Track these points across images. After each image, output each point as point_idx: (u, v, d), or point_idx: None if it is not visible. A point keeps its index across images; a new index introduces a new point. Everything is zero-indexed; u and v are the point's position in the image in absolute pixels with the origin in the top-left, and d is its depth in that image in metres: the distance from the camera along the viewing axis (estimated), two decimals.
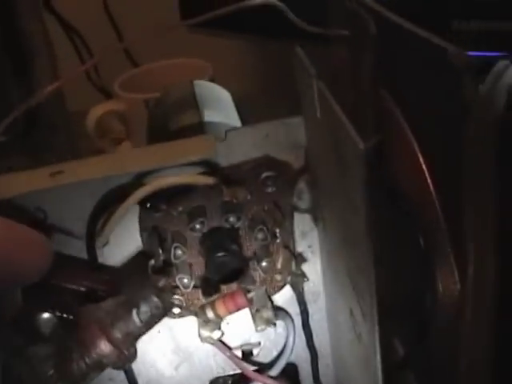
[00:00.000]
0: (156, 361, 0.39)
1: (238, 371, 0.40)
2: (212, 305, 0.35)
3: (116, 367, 0.32)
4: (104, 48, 0.61)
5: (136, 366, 0.39)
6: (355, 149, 0.24)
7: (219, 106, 0.46)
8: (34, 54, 0.77)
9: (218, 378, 0.41)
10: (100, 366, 0.32)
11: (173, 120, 0.45)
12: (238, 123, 0.45)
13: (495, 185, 0.28)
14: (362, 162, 0.24)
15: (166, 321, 0.37)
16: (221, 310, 0.35)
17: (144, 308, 0.32)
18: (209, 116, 0.44)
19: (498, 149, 0.28)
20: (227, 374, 0.40)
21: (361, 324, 0.29)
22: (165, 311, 0.32)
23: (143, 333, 0.32)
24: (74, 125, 0.83)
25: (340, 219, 0.30)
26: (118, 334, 0.32)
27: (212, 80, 0.70)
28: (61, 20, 0.88)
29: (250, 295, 0.35)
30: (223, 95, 0.49)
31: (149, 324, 0.32)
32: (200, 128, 0.43)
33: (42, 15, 0.79)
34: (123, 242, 0.36)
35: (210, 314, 0.35)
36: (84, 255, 0.36)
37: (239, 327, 0.39)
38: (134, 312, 0.32)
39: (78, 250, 0.36)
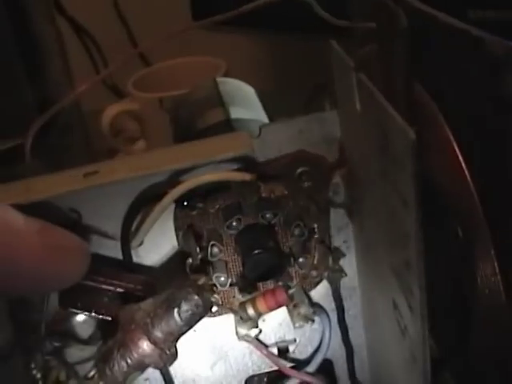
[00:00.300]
0: (192, 360, 0.39)
1: (273, 369, 0.40)
2: (252, 302, 0.35)
3: (157, 367, 0.32)
4: (119, 57, 0.61)
5: (172, 366, 0.39)
6: (405, 140, 0.24)
7: (245, 102, 0.46)
8: (48, 55, 0.77)
9: (253, 377, 0.40)
10: (141, 365, 0.32)
11: (199, 119, 0.45)
12: (264, 118, 0.44)
13: None
14: (413, 153, 0.24)
15: (201, 320, 0.37)
16: (261, 306, 0.35)
17: (185, 307, 0.31)
18: (235, 113, 0.44)
19: None
20: (262, 371, 0.40)
21: (407, 318, 0.29)
22: (205, 309, 0.32)
23: (184, 332, 0.32)
24: (89, 125, 0.83)
25: (382, 213, 0.30)
26: (159, 334, 0.31)
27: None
28: (72, 22, 0.88)
29: (289, 292, 0.35)
30: (248, 91, 0.49)
31: (190, 323, 0.32)
32: (228, 125, 0.43)
33: (55, 17, 0.79)
34: (158, 242, 0.36)
35: (251, 311, 0.35)
36: (119, 256, 0.36)
37: (275, 324, 0.39)
38: (175, 311, 0.31)
39: (112, 250, 0.36)
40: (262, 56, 0.96)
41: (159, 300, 0.32)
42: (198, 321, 0.32)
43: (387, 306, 0.32)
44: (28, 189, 0.33)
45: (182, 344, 0.37)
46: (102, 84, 0.93)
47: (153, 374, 0.39)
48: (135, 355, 0.32)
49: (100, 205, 0.35)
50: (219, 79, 0.49)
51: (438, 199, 0.35)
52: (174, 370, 0.39)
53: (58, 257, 0.29)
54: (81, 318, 0.37)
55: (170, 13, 0.92)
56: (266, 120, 0.44)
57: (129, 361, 0.32)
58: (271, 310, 0.35)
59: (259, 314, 0.35)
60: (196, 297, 0.32)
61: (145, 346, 0.31)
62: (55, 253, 0.29)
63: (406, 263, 0.27)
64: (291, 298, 0.36)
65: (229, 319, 0.38)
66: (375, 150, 0.28)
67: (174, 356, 0.32)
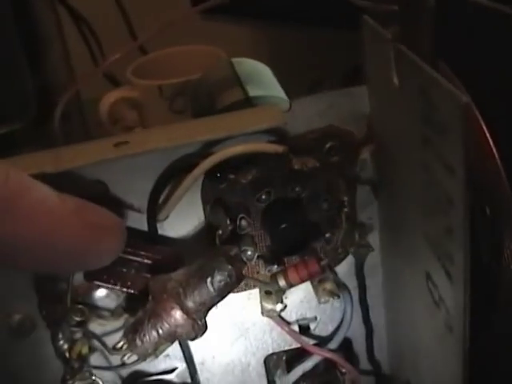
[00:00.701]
0: (212, 337, 0.39)
1: (293, 347, 0.40)
2: (284, 273, 0.35)
3: (189, 338, 0.32)
4: (123, 48, 0.61)
5: (192, 342, 0.39)
6: (456, 104, 0.24)
7: (261, 79, 0.46)
8: (48, 42, 0.76)
9: (272, 354, 0.40)
10: (173, 336, 0.32)
11: (218, 100, 0.45)
12: (283, 95, 0.44)
13: None
14: (463, 117, 0.24)
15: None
16: (293, 278, 0.35)
17: (218, 277, 0.31)
18: (254, 91, 0.44)
19: None
20: (282, 349, 0.40)
21: (444, 288, 0.29)
22: (238, 280, 0.32)
23: (216, 302, 0.32)
24: (87, 113, 0.83)
25: (417, 184, 0.30)
26: (191, 304, 0.31)
27: None
28: (69, 9, 0.87)
29: (322, 263, 0.35)
30: (263, 69, 0.49)
31: (222, 293, 0.32)
32: (248, 103, 0.43)
33: (55, 4, 0.79)
34: (183, 215, 0.36)
35: (282, 283, 0.35)
36: (144, 228, 0.36)
37: (296, 302, 0.39)
38: (209, 281, 0.31)
39: (137, 223, 0.36)
40: (260, 46, 0.96)
41: (191, 270, 0.32)
42: (230, 292, 0.32)
43: (418, 279, 0.32)
44: (57, 158, 0.33)
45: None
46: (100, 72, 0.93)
47: (173, 350, 0.39)
48: (167, 325, 0.32)
49: (128, 176, 0.35)
50: (234, 60, 0.49)
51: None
52: (194, 346, 0.39)
53: (96, 235, 0.29)
54: (103, 291, 0.36)
55: (169, 1, 0.91)
56: (284, 96, 0.44)
57: (160, 331, 0.32)
58: (303, 281, 0.35)
59: (290, 285, 0.35)
60: (230, 266, 0.31)
61: (177, 315, 0.31)
62: (93, 232, 0.29)
63: (448, 230, 0.27)
64: (323, 270, 0.36)
65: (250, 295, 0.38)
66: (415, 120, 0.29)
67: (205, 327, 0.32)
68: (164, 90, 0.69)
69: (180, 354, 0.39)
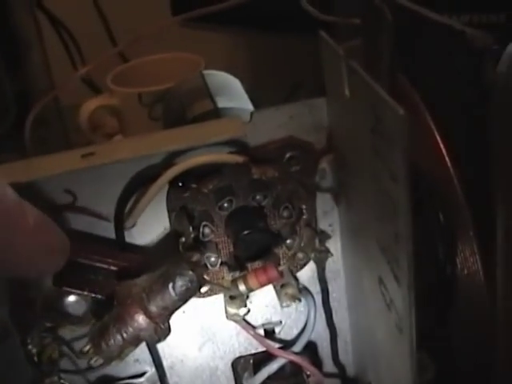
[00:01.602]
0: (180, 341, 0.40)
1: (259, 350, 0.41)
2: (244, 278, 0.36)
3: (152, 341, 0.33)
4: (100, 56, 0.62)
5: (161, 347, 0.40)
6: (396, 116, 0.26)
7: (231, 92, 0.48)
8: (27, 47, 0.77)
9: (239, 358, 0.42)
10: (137, 339, 0.33)
11: (188, 110, 0.46)
12: (250, 107, 0.46)
13: None
14: (403, 127, 0.26)
15: (190, 301, 0.38)
16: (253, 282, 0.36)
17: (180, 282, 0.33)
18: (222, 102, 0.45)
19: None
20: (249, 353, 0.41)
21: (393, 291, 0.31)
22: (199, 285, 0.33)
23: (178, 307, 0.33)
24: (66, 119, 0.84)
25: (371, 192, 0.32)
26: (154, 308, 0.33)
27: None
28: (49, 15, 0.88)
29: (280, 268, 0.36)
30: (233, 82, 0.50)
31: (184, 297, 0.33)
32: (216, 115, 0.44)
33: (34, 11, 0.80)
34: (149, 223, 0.37)
35: (242, 288, 0.36)
36: (112, 236, 0.37)
37: (261, 307, 0.40)
38: (170, 286, 0.32)
39: (106, 231, 0.37)
40: (239, 53, 0.97)
41: (154, 276, 0.33)
42: (191, 296, 0.34)
43: (373, 283, 0.34)
44: (28, 168, 0.34)
45: (171, 325, 0.38)
46: (79, 79, 0.94)
47: (142, 354, 0.40)
48: (131, 329, 0.33)
49: (95, 186, 0.36)
50: (205, 72, 0.51)
51: (421, 185, 0.36)
52: (163, 350, 0.40)
53: (45, 254, 0.30)
54: (73, 298, 0.37)
55: (149, 8, 0.93)
56: (251, 108, 0.46)
57: (124, 335, 0.33)
58: (262, 285, 0.36)
59: (250, 290, 0.36)
60: (190, 272, 0.33)
61: (140, 319, 0.33)
62: (44, 250, 0.30)
63: (395, 235, 0.29)
64: (281, 274, 0.37)
65: (217, 301, 0.40)
66: (365, 132, 0.30)
67: (168, 330, 0.34)
68: (143, 97, 0.70)
69: (149, 358, 0.40)
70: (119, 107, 0.75)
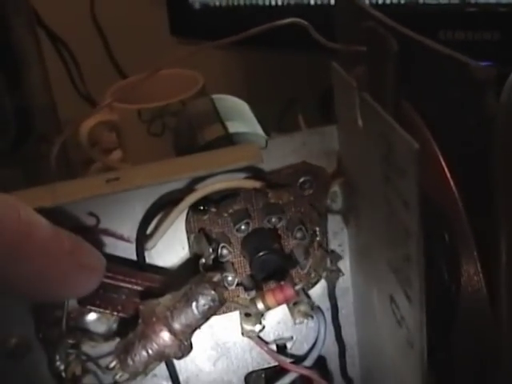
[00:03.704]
0: (196, 356, 0.42)
1: (272, 365, 0.43)
2: (262, 297, 0.38)
3: (176, 357, 0.35)
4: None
5: (177, 362, 0.42)
6: (410, 149, 0.28)
7: (240, 116, 0.50)
8: (27, 64, 0.78)
9: (252, 373, 0.43)
10: (161, 355, 0.35)
11: (199, 135, 0.48)
12: (260, 131, 0.48)
13: None
14: (417, 160, 0.28)
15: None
16: (270, 301, 0.38)
17: (202, 301, 0.35)
18: (233, 127, 0.47)
19: None
20: (261, 367, 0.43)
21: (404, 309, 0.33)
22: (220, 303, 0.35)
23: (200, 324, 0.35)
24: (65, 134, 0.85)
25: (381, 215, 0.34)
26: (178, 326, 0.35)
27: (203, 90, 0.73)
28: (48, 32, 0.90)
29: (296, 287, 0.38)
30: (242, 106, 0.53)
31: (206, 315, 0.35)
32: (227, 140, 0.46)
33: (35, 28, 0.81)
34: (169, 244, 0.39)
35: (260, 306, 0.38)
36: (133, 257, 0.39)
37: (274, 323, 0.42)
38: (194, 305, 0.34)
39: (127, 252, 0.39)
40: (236, 69, 0.99)
41: (178, 295, 0.35)
42: (213, 314, 0.36)
43: (383, 301, 0.36)
44: (54, 193, 0.36)
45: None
46: (77, 94, 0.96)
47: (159, 369, 0.42)
48: (156, 345, 0.35)
49: (118, 209, 0.38)
50: (215, 96, 0.53)
51: (427, 207, 0.38)
52: (179, 365, 0.42)
53: (84, 275, 0.32)
54: (94, 315, 0.39)
55: (148, 25, 0.95)
56: (261, 132, 0.48)
57: (150, 351, 0.35)
58: (279, 304, 0.38)
59: (267, 308, 0.38)
60: (213, 292, 0.35)
61: (165, 336, 0.34)
62: (82, 271, 0.32)
63: (407, 258, 0.31)
64: (297, 294, 0.39)
65: (231, 317, 0.41)
66: (378, 159, 0.32)
67: (190, 347, 0.36)
68: (143, 113, 0.72)
69: (166, 373, 0.42)
70: (118, 123, 0.77)
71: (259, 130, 0.48)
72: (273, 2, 0.80)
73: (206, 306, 0.35)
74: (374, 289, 0.38)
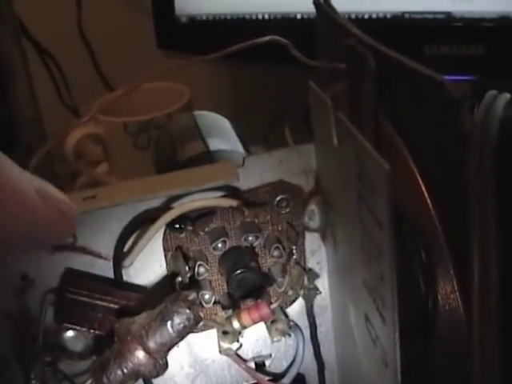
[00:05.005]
0: (174, 374, 0.42)
1: (250, 383, 0.43)
2: (238, 315, 0.38)
3: (151, 376, 0.35)
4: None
5: (155, 380, 0.42)
6: (381, 170, 0.28)
7: (221, 133, 0.50)
8: (13, 76, 0.78)
9: None
10: (136, 374, 0.35)
11: (180, 151, 0.48)
12: (240, 148, 0.48)
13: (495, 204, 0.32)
14: (387, 181, 0.28)
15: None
16: (246, 320, 0.38)
17: (177, 320, 0.34)
18: (214, 144, 0.48)
19: (496, 169, 0.33)
20: None
21: (379, 328, 0.33)
22: (195, 322, 0.35)
23: (175, 343, 0.35)
24: (50, 147, 0.85)
25: (357, 234, 0.34)
26: (153, 345, 0.34)
27: (190, 104, 0.73)
28: (34, 43, 0.90)
29: (272, 306, 0.38)
30: (223, 123, 0.53)
31: (181, 334, 0.35)
32: (207, 157, 0.46)
33: (21, 39, 0.81)
34: (146, 262, 0.39)
35: (236, 325, 0.38)
36: (110, 275, 0.39)
37: (252, 341, 0.42)
38: (169, 324, 0.34)
39: (104, 270, 0.39)
40: (222, 82, 0.99)
41: (153, 314, 0.35)
42: (188, 333, 0.35)
43: (359, 319, 0.36)
44: None
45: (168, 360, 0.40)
46: (63, 106, 0.96)
47: None
48: (131, 364, 0.35)
49: (95, 227, 0.38)
50: (196, 113, 0.53)
51: (403, 224, 0.39)
52: (158, 383, 0.42)
53: (57, 219, 0.30)
54: (71, 333, 0.39)
55: (134, 37, 0.95)
56: (241, 150, 0.48)
57: (125, 370, 0.35)
58: (255, 323, 0.38)
59: (243, 327, 0.38)
60: (188, 310, 0.35)
61: (140, 355, 0.34)
62: (55, 215, 0.30)
63: (380, 277, 0.31)
64: (273, 312, 0.39)
65: (210, 335, 0.41)
66: (352, 178, 0.32)
67: (166, 366, 0.35)
68: (129, 126, 0.72)
69: None
70: (104, 136, 0.77)
71: (239, 147, 0.48)
72: (259, 16, 0.80)
73: (181, 325, 0.35)
74: (350, 307, 0.38)
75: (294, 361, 0.42)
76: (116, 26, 1.00)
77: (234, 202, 0.37)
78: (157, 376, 0.35)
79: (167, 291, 0.38)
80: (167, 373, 0.40)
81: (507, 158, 0.33)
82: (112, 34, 0.99)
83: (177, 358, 0.41)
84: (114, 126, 0.75)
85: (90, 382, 0.35)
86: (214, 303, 0.39)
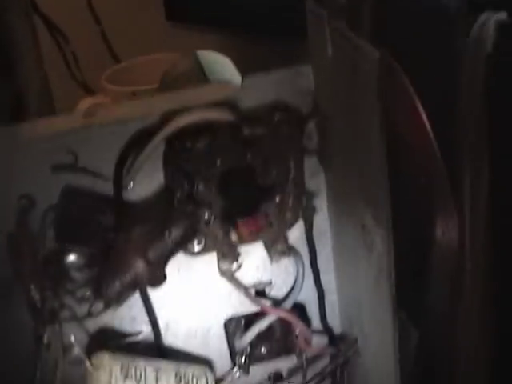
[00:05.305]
0: (175, 301, 0.42)
1: (250, 311, 0.43)
2: (236, 229, 0.38)
3: (151, 285, 0.35)
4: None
5: (157, 308, 0.42)
6: (371, 59, 0.28)
7: (223, 70, 0.50)
8: (22, 50, 0.79)
9: (231, 319, 0.43)
10: (134, 284, 0.35)
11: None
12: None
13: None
14: (377, 67, 0.28)
15: (185, 260, 0.40)
16: (244, 231, 0.38)
17: (175, 231, 0.35)
18: (215, 79, 0.48)
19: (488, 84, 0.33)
20: (240, 314, 0.43)
21: (374, 231, 0.33)
22: (194, 233, 0.35)
23: (174, 253, 0.35)
24: None
25: (353, 151, 0.34)
26: (151, 255, 0.35)
27: None
28: (44, 18, 0.91)
29: (270, 220, 0.38)
30: (224, 61, 0.53)
31: (179, 245, 0.35)
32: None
33: (30, 13, 0.82)
34: (146, 180, 0.39)
35: (234, 237, 0.38)
36: (111, 193, 0.39)
37: (252, 268, 0.42)
38: (167, 234, 0.35)
39: (105, 188, 0.39)
40: (230, 53, 0.99)
41: (151, 226, 0.36)
42: (186, 244, 0.36)
43: (357, 230, 0.36)
44: (33, 128, 0.37)
45: (166, 285, 0.40)
46: (73, 80, 0.96)
47: (139, 313, 0.42)
48: (128, 275, 0.35)
49: (96, 146, 0.38)
50: (199, 52, 0.54)
51: (404, 154, 0.38)
52: (159, 310, 0.42)
53: None
54: (72, 257, 0.39)
55: (143, 10, 0.95)
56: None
57: (123, 279, 0.35)
58: (252, 233, 0.38)
59: (241, 240, 0.38)
60: (186, 221, 0.35)
61: (139, 264, 0.35)
62: None
63: (373, 180, 0.31)
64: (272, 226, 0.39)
65: (210, 261, 0.41)
66: (345, 88, 0.33)
67: (163, 278, 0.36)
68: (137, 95, 0.72)
69: (146, 318, 0.42)
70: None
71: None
72: None
73: (179, 235, 0.35)
74: (348, 224, 0.38)
75: (293, 287, 0.42)
76: None
77: (231, 116, 0.37)
78: (154, 285, 0.35)
79: (165, 207, 0.38)
80: (167, 300, 0.41)
81: (499, 77, 0.33)
82: (121, 7, 0.99)
83: (178, 283, 0.41)
84: (122, 96, 0.75)
85: (88, 293, 0.35)
86: (213, 223, 0.39)
